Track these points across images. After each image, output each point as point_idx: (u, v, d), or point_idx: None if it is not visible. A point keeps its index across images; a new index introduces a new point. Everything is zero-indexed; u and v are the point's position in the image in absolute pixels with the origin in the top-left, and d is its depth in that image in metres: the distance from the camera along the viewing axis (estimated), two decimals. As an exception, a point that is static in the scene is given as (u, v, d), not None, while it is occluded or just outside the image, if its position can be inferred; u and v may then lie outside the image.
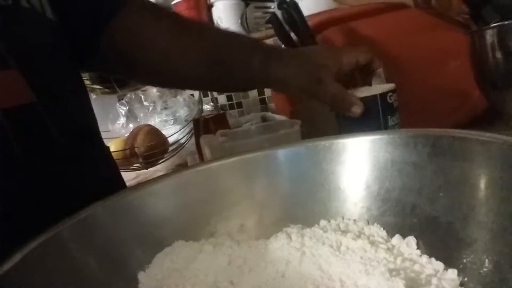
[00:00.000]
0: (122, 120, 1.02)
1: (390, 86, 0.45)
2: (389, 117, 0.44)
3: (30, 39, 0.36)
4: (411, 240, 0.28)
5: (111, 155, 0.48)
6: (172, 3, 1.05)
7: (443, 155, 0.28)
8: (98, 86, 0.83)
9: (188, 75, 0.48)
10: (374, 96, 0.43)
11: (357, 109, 0.42)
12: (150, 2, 0.49)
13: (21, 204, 0.32)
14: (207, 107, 1.13)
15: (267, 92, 1.17)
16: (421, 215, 0.28)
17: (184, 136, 0.92)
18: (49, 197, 0.34)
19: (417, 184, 0.29)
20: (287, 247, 0.29)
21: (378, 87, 0.45)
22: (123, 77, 0.69)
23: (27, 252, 0.22)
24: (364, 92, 0.44)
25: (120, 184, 0.48)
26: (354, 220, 0.32)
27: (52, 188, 0.34)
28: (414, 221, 0.29)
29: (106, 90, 0.84)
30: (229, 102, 1.23)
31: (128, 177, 0.99)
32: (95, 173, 0.40)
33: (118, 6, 0.46)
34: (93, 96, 0.89)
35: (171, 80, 0.51)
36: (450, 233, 0.26)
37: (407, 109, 0.71)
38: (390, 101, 0.44)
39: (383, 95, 0.43)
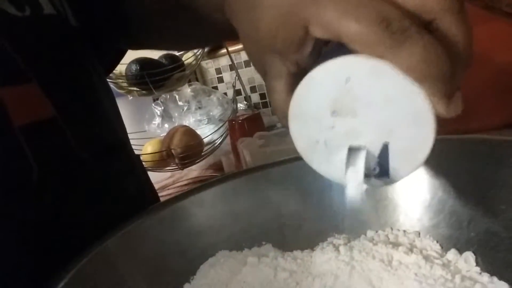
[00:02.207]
0: (158, 120, 1.04)
1: None
2: None
3: (51, 50, 0.34)
4: (469, 255, 0.26)
5: (141, 165, 0.46)
6: None
7: (505, 164, 0.26)
8: (135, 88, 0.85)
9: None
10: None
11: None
12: None
13: (41, 228, 0.30)
14: (240, 105, 1.13)
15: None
16: (479, 228, 0.27)
17: (218, 136, 0.92)
18: (71, 219, 0.32)
19: (474, 194, 0.27)
20: (335, 260, 0.28)
21: None
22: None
23: (79, 268, 0.22)
24: None
25: (149, 198, 0.44)
26: (404, 231, 0.30)
27: (74, 210, 0.32)
28: (471, 235, 0.27)
29: (143, 92, 0.85)
30: (263, 101, 1.22)
31: (163, 176, 1.00)
32: (122, 191, 0.38)
33: None
34: (130, 98, 0.90)
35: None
36: (514, 250, 0.24)
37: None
38: None
39: None
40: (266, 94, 1.22)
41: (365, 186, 0.20)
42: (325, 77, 0.19)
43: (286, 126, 0.22)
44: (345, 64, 0.18)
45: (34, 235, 0.30)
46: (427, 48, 0.17)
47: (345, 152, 0.20)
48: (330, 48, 0.20)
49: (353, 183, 0.20)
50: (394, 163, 0.19)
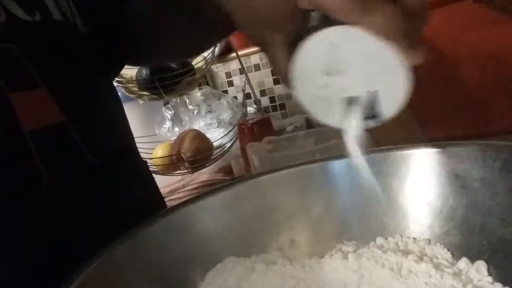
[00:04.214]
0: (168, 124, 1.04)
1: None
2: None
3: (60, 56, 0.34)
4: (481, 264, 0.26)
5: (148, 170, 0.46)
6: None
7: (518, 172, 0.25)
8: (145, 93, 0.85)
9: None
10: None
11: None
12: None
13: (49, 233, 0.30)
14: (250, 109, 1.13)
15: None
16: (491, 237, 0.26)
17: (228, 140, 0.92)
18: (79, 224, 0.32)
19: (486, 202, 0.27)
20: (343, 268, 0.27)
21: None
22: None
23: (87, 274, 0.22)
24: None
25: (156, 202, 0.45)
26: (414, 239, 0.30)
27: (82, 214, 0.32)
28: (483, 243, 0.26)
29: (154, 96, 0.86)
30: (272, 104, 1.22)
31: (173, 180, 1.01)
32: (130, 195, 0.38)
33: None
34: (140, 102, 0.91)
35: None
36: (527, 260, 0.24)
37: (458, 110, 0.67)
38: None
39: None
40: (275, 97, 1.22)
41: (363, 127, 0.24)
42: (315, 45, 0.23)
43: (290, 88, 0.26)
44: (329, 33, 0.22)
45: (42, 240, 0.30)
46: (389, 13, 0.21)
47: (342, 103, 0.24)
48: (316, 21, 0.24)
49: (353, 126, 0.24)
50: (382, 105, 0.24)
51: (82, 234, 0.31)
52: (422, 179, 0.31)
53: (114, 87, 0.44)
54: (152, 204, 0.43)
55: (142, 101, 0.90)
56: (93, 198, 0.34)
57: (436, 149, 0.30)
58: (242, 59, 1.06)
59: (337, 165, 0.34)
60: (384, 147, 0.33)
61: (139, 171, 0.43)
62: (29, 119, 0.29)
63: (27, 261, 0.29)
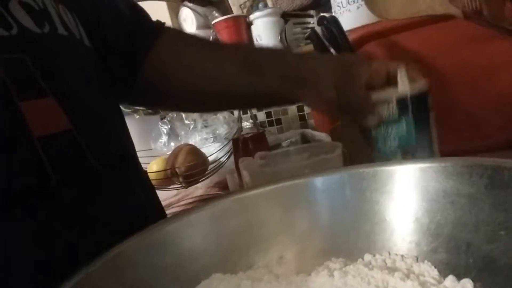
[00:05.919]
0: (164, 138, 1.04)
1: (422, 84, 0.38)
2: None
3: (67, 67, 0.36)
4: (467, 283, 0.25)
5: (148, 178, 0.48)
6: (212, 22, 1.07)
7: (504, 188, 0.25)
8: (141, 108, 0.86)
9: (226, 93, 0.48)
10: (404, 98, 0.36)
11: (372, 120, 0.37)
12: (182, 31, 0.50)
13: (55, 237, 0.31)
14: (247, 124, 1.13)
15: (307, 108, 1.15)
16: (478, 254, 0.26)
17: (223, 155, 0.92)
18: (85, 227, 0.33)
19: (473, 219, 0.27)
20: (329, 286, 0.27)
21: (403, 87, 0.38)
22: (158, 107, 0.69)
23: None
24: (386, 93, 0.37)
25: (156, 209, 0.46)
26: (402, 256, 0.30)
27: (88, 218, 0.33)
28: (470, 261, 0.26)
29: (149, 111, 0.86)
30: (268, 119, 1.22)
31: (169, 194, 1.00)
32: (132, 200, 0.39)
33: (153, 37, 0.47)
34: (136, 117, 0.92)
35: (208, 102, 0.51)
36: (513, 278, 0.23)
37: (452, 126, 0.67)
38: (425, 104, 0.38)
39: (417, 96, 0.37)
40: (272, 112, 1.22)
41: None
42: None
43: None
44: None
45: (49, 242, 0.31)
46: None
47: None
48: None
49: None
50: None
51: (88, 236, 0.32)
52: (409, 196, 0.30)
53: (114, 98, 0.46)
54: (154, 209, 0.45)
55: (138, 116, 0.90)
56: (98, 201, 0.35)
57: (423, 166, 0.30)
58: (238, 74, 1.07)
59: (324, 181, 0.33)
60: (373, 163, 0.33)
61: (140, 176, 0.45)
62: (38, 126, 0.31)
63: (31, 263, 0.30)
